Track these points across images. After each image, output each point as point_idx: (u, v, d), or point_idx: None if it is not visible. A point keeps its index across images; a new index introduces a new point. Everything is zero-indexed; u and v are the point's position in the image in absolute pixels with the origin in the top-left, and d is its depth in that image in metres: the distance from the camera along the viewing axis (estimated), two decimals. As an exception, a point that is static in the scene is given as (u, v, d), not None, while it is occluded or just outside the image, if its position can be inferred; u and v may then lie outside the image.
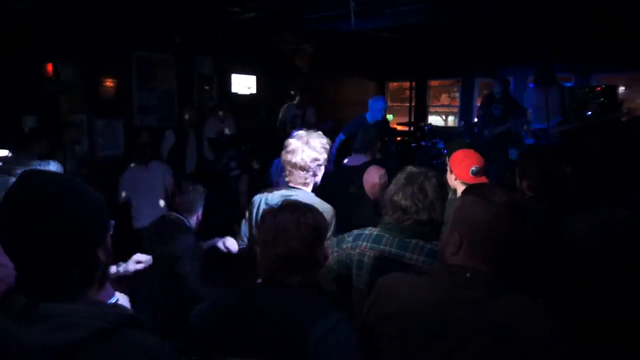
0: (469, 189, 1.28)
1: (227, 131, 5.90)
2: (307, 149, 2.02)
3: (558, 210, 1.67)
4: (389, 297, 1.22)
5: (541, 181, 1.88)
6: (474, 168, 2.33)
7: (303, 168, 2.03)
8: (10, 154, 3.84)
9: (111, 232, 0.97)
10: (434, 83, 10.08)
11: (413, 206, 1.63)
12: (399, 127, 8.96)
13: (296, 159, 2.02)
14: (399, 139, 7.85)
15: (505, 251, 1.14)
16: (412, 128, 9.05)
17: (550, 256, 1.49)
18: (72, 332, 0.78)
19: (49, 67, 5.35)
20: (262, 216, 1.35)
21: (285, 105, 6.36)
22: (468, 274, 1.13)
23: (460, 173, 2.39)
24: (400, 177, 1.73)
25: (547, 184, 1.87)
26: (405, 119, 9.43)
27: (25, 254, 0.84)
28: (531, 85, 8.32)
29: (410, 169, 1.75)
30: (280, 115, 6.30)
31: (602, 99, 5.30)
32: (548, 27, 6.04)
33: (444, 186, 1.74)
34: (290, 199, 1.46)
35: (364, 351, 1.22)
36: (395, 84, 10.90)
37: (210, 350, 1.26)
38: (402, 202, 1.65)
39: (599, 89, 5.68)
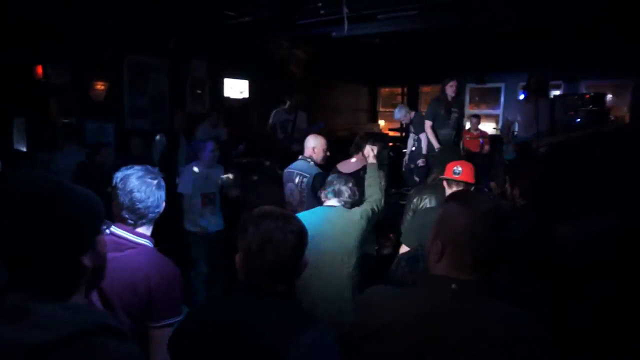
0: (453, 196, 1.27)
1: (223, 137, 5.86)
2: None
3: (547, 218, 1.68)
4: (374, 311, 1.20)
5: (531, 190, 1.91)
6: (455, 168, 2.46)
7: None
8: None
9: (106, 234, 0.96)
10: (425, 89, 10.14)
11: None
12: (391, 133, 9.00)
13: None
14: (390, 144, 7.88)
15: (488, 258, 1.14)
16: (403, 134, 9.09)
17: (540, 263, 1.50)
18: (43, 333, 0.79)
19: (39, 70, 5.31)
20: (243, 224, 1.30)
21: (276, 109, 6.35)
22: (453, 285, 1.11)
23: (445, 173, 2.56)
24: None
25: (536, 192, 1.89)
26: (397, 125, 9.46)
27: (8, 256, 0.85)
28: (522, 95, 8.39)
29: None
30: (270, 120, 6.29)
31: (590, 107, 5.40)
32: (538, 34, 6.13)
33: None
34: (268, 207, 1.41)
35: None
36: (386, 89, 10.96)
37: None
38: None
39: (587, 96, 5.78)
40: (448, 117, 5.05)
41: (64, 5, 4.83)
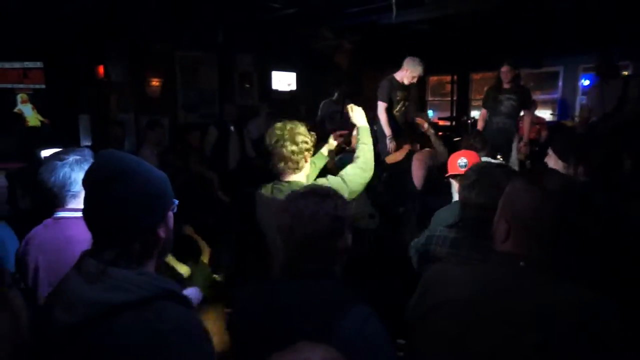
0: (523, 174, 1.23)
1: None
2: None
3: (615, 197, 1.59)
4: (439, 287, 1.19)
5: (599, 168, 1.81)
6: (460, 161, 2.32)
7: None
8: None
9: (175, 211, 1.04)
10: (476, 76, 9.78)
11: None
12: (440, 122, 8.80)
13: None
14: (440, 133, 7.70)
15: (556, 237, 1.09)
16: (453, 123, 8.86)
17: (608, 241, 1.42)
18: (118, 294, 0.89)
19: (100, 69, 5.63)
20: (283, 203, 1.30)
21: (324, 101, 6.38)
22: (522, 263, 1.08)
23: (450, 169, 2.39)
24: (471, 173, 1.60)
25: (605, 171, 1.79)
26: (447, 114, 9.24)
27: (94, 224, 0.96)
28: (586, 80, 7.89)
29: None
30: (319, 112, 6.34)
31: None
32: (600, 10, 5.71)
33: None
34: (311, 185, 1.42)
35: (410, 343, 1.18)
36: (435, 78, 10.67)
37: (239, 346, 1.25)
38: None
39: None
40: (501, 104, 4.75)
41: (118, 8, 5.09)
